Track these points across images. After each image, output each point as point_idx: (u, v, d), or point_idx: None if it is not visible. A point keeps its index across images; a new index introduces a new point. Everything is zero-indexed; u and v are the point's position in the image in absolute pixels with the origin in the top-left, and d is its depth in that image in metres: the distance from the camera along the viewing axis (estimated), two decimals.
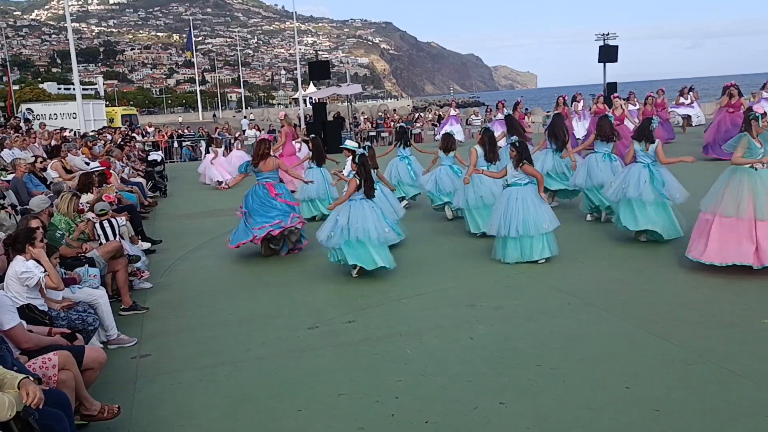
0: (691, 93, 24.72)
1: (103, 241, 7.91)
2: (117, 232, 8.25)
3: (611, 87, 27.55)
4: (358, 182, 8.08)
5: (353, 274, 8.21)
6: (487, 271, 8.26)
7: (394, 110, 41.92)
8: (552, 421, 4.42)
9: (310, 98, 35.48)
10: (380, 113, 40.70)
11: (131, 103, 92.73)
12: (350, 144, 9.75)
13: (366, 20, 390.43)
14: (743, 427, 4.21)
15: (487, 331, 6.20)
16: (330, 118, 28.64)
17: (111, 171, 11.77)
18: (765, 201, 7.10)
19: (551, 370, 5.23)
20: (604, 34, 29.08)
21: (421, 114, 41.16)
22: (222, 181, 18.19)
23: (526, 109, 28.46)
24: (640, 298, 6.85)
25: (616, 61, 29.00)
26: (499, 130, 14.70)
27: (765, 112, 7.39)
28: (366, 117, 36.06)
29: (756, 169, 7.19)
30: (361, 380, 5.29)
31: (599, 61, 28.99)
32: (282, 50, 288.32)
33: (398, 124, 19.04)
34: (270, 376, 5.53)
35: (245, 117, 46.32)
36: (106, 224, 8.22)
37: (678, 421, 4.31)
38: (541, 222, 8.18)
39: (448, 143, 11.32)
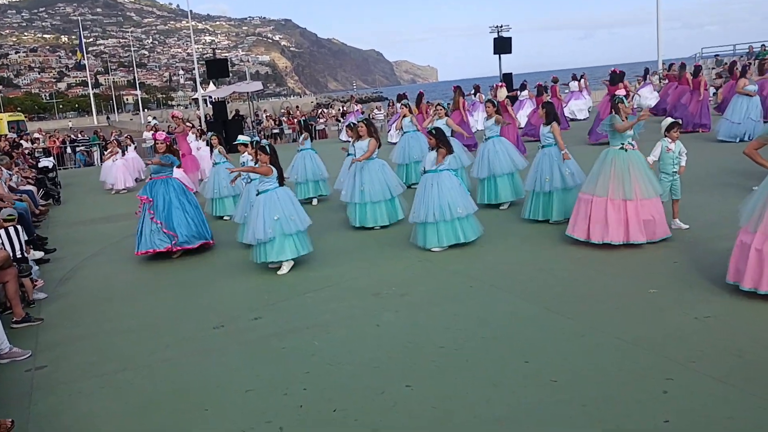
0: (581, 81, 25.76)
1: (8, 248, 7.55)
2: (20, 239, 7.91)
3: (506, 78, 28.41)
4: (273, 171, 8.09)
5: (282, 272, 8.17)
6: (393, 260, 8.37)
7: (297, 107, 41.64)
8: (455, 399, 4.55)
9: (210, 98, 34.72)
10: (283, 110, 40.28)
11: (18, 108, 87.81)
12: (243, 138, 9.70)
13: (265, 18, 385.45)
14: (633, 389, 4.46)
15: (393, 318, 6.29)
16: (230, 117, 28.14)
17: None
18: (632, 181, 7.66)
19: (455, 351, 5.38)
20: (497, 26, 29.90)
21: (324, 110, 41.09)
22: (124, 188, 17.63)
23: (428, 101, 28.91)
24: (538, 277, 7.13)
25: (510, 52, 29.89)
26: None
27: (627, 93, 7.94)
28: (269, 115, 35.58)
29: (626, 150, 7.70)
30: (269, 375, 5.27)
31: (494, 53, 29.82)
32: (179, 50, 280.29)
33: (300, 118, 19.09)
34: (175, 378, 5.42)
35: (154, 118, 45.21)
36: (11, 230, 7.90)
37: (573, 389, 4.53)
38: (456, 207, 8.34)
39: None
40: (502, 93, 16.54)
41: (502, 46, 29.63)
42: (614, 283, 6.66)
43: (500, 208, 10.65)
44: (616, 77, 16.89)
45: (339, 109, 38.58)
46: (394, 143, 17.61)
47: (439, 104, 12.45)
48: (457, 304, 6.53)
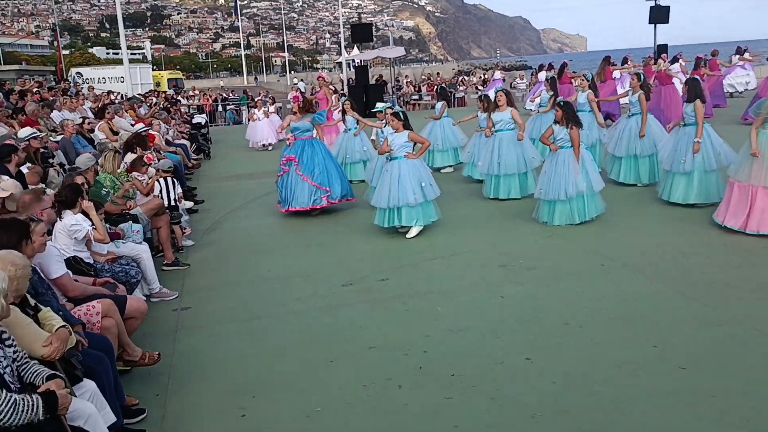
0: (745, 54, 23.80)
1: (164, 196, 8.22)
2: (175, 190, 8.57)
3: (661, 49, 26.78)
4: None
5: (411, 234, 8.28)
6: (522, 233, 8.28)
7: (438, 74, 41.55)
8: (576, 377, 4.49)
9: (353, 61, 35.38)
10: (423, 77, 40.34)
11: (178, 67, 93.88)
12: (380, 105, 9.82)
13: None
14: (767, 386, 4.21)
15: (517, 291, 6.26)
16: (372, 81, 28.54)
17: (153, 132, 12.02)
18: None
19: (579, 328, 5.28)
20: None
21: (465, 77, 40.72)
22: (268, 144, 18.44)
23: (573, 71, 27.88)
24: (674, 260, 6.81)
25: (667, 22, 28.09)
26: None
27: None
28: (409, 80, 35.78)
29: None
30: (391, 335, 5.43)
31: (650, 23, 28.15)
32: (327, 13, 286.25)
33: (439, 85, 19.06)
34: (304, 329, 5.71)
35: (301, 80, 47.21)
36: (168, 180, 8.60)
37: (702, 379, 4.33)
38: (585, 184, 8.16)
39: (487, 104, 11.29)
40: (662, 66, 15.57)
41: (659, 15, 27.89)
42: (758, 274, 6.23)
43: (638, 185, 10.20)
44: None
45: (480, 77, 38.09)
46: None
47: (583, 75, 12.01)
48: (585, 281, 6.38)
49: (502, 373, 4.63)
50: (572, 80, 18.46)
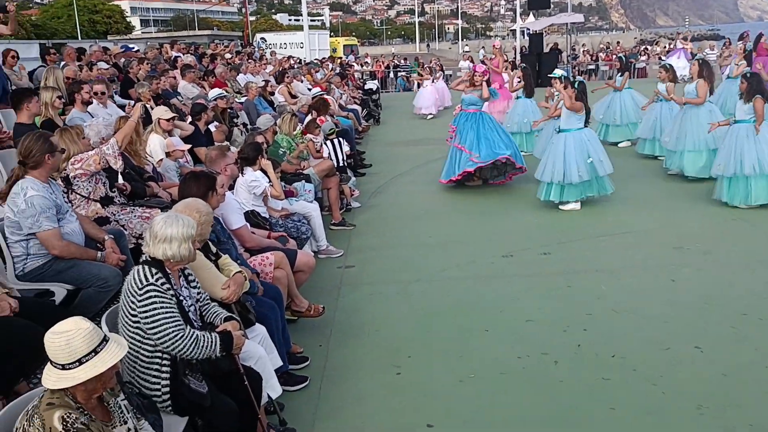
0: None
1: (333, 157, 8.58)
2: (341, 151, 8.89)
3: None
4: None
5: (567, 207, 8.08)
6: (701, 214, 7.76)
7: (618, 43, 39.41)
8: (751, 371, 4.17)
9: (528, 29, 34.42)
10: (602, 45, 38.40)
11: (353, 33, 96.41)
12: (557, 72, 9.48)
13: None
14: None
15: (691, 275, 5.89)
16: (546, 50, 27.64)
17: (328, 97, 12.45)
18: None
19: (759, 320, 4.88)
20: None
21: (648, 47, 38.25)
22: (428, 114, 18.44)
23: None
24: None
25: None
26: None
27: None
28: (586, 49, 34.20)
29: None
30: (550, 310, 5.32)
31: None
32: None
33: (619, 54, 18.09)
34: (461, 295, 5.75)
35: (482, 47, 46.90)
36: (336, 142, 8.95)
37: None
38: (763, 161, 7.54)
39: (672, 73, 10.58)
40: None
41: None
42: None
43: None
44: None
45: (664, 47, 35.61)
46: None
47: None
48: None
49: (667, 359, 4.40)
50: None
